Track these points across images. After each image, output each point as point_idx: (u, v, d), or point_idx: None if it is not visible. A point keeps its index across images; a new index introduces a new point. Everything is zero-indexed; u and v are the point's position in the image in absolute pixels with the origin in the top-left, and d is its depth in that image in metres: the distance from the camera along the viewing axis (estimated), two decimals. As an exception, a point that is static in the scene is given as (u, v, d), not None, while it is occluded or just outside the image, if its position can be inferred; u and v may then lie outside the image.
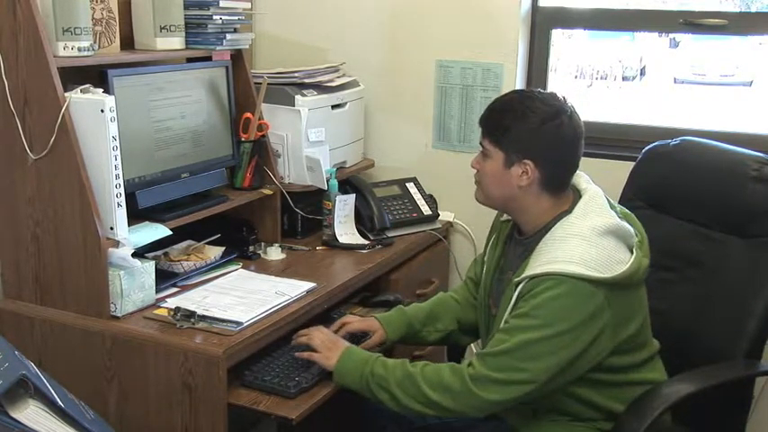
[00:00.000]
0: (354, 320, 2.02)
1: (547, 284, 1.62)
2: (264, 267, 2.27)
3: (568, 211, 1.73)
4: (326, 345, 1.83)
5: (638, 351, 1.75)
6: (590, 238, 1.66)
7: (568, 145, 1.73)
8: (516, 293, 1.68)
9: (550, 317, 1.61)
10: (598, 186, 1.81)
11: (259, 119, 2.39)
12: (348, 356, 1.78)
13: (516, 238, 1.85)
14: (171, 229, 2.03)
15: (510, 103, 1.76)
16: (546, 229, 1.73)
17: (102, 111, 1.80)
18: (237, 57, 2.40)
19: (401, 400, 1.69)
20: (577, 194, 1.77)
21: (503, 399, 1.64)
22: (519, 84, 2.70)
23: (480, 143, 1.79)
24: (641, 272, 1.70)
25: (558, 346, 1.61)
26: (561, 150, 1.73)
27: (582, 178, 1.81)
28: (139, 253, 1.94)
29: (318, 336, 1.87)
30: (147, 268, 1.94)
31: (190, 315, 1.86)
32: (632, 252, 1.70)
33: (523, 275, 1.68)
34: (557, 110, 1.71)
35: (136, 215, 1.99)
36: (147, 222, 2.01)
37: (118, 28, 2.08)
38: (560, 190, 1.76)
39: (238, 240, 2.32)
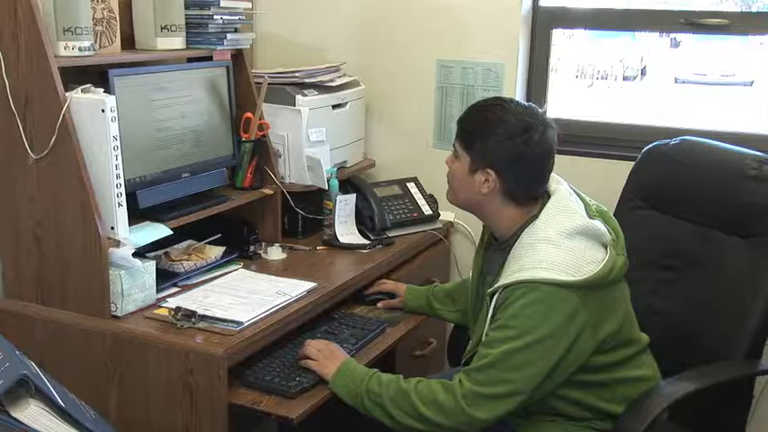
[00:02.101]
0: (388, 282, 2.29)
1: (518, 293, 1.63)
2: (265, 267, 2.27)
3: (536, 216, 1.73)
4: (324, 354, 1.83)
5: (621, 348, 1.74)
6: (557, 241, 1.66)
7: (534, 162, 1.74)
8: (492, 305, 1.69)
9: (526, 325, 1.62)
10: (571, 185, 1.82)
11: (260, 119, 2.39)
12: (346, 369, 1.78)
13: (493, 244, 1.87)
14: (171, 229, 2.03)
15: (485, 110, 1.77)
16: (516, 235, 1.74)
17: (102, 110, 1.81)
18: (238, 56, 2.40)
19: (395, 416, 1.69)
20: (547, 197, 1.77)
21: (494, 415, 1.64)
22: (520, 83, 2.70)
23: (453, 143, 1.81)
24: (616, 270, 1.70)
25: (539, 354, 1.62)
26: (525, 166, 1.73)
27: (552, 179, 1.80)
28: (140, 253, 1.94)
29: (315, 344, 1.87)
30: (148, 268, 1.94)
31: (190, 315, 1.86)
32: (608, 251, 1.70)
33: (495, 286, 1.69)
34: (527, 126, 1.71)
35: (136, 215, 1.99)
36: (147, 222, 2.01)
37: (119, 28, 2.08)
38: (526, 201, 1.76)
39: (239, 240, 2.32)
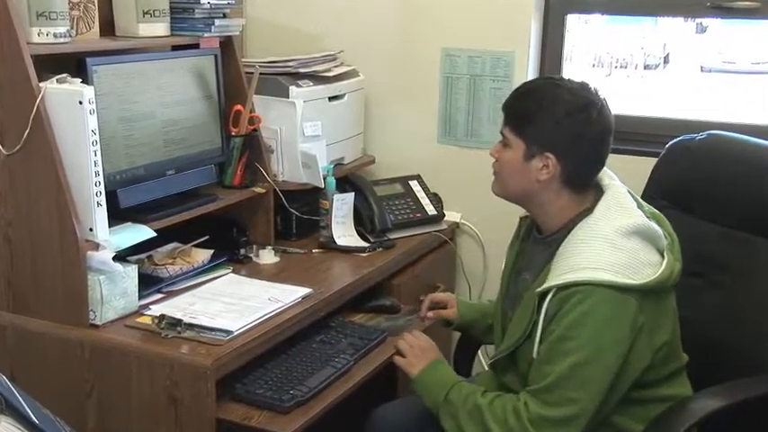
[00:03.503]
0: (439, 293, 2.23)
1: (576, 299, 1.61)
2: (256, 271, 2.27)
3: (590, 210, 1.72)
4: (414, 351, 1.87)
5: (665, 364, 1.74)
6: (614, 240, 1.65)
7: (594, 141, 1.73)
8: (544, 309, 1.66)
9: (589, 334, 1.61)
10: (622, 183, 1.81)
11: (250, 112, 2.39)
12: (432, 371, 1.82)
13: (535, 237, 1.85)
14: (155, 231, 2.02)
15: (536, 90, 1.76)
16: (567, 228, 1.73)
17: (80, 102, 1.80)
18: (227, 44, 2.39)
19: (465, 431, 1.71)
20: (600, 192, 1.77)
21: None
22: (531, 74, 2.70)
23: (501, 131, 1.79)
24: (674, 277, 1.69)
25: (604, 366, 1.61)
26: (586, 146, 1.73)
27: (605, 174, 1.80)
28: (121, 256, 1.94)
29: (409, 339, 1.91)
30: (130, 273, 1.93)
31: (176, 323, 1.85)
32: (662, 255, 1.70)
33: (546, 286, 1.67)
34: (586, 102, 1.71)
35: (117, 215, 1.98)
36: (129, 223, 2.00)
37: (97, 12, 2.08)
38: (583, 188, 1.76)
39: (228, 242, 2.32)
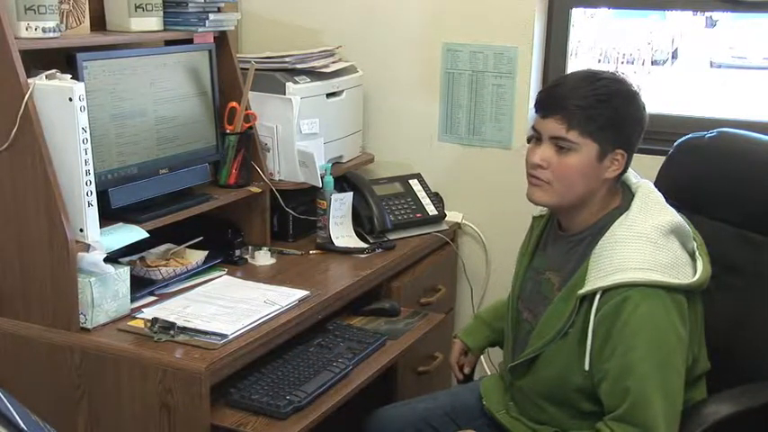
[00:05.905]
0: (453, 353, 2.14)
1: (630, 305, 1.60)
2: (252, 273, 2.27)
3: (624, 208, 1.73)
4: None
5: (694, 368, 1.75)
6: (656, 239, 1.66)
7: (643, 131, 1.77)
8: (593, 315, 1.64)
9: (653, 341, 1.60)
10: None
11: (246, 109, 2.39)
12: None
13: (559, 234, 1.83)
14: (148, 231, 2.03)
15: (596, 87, 1.69)
16: (597, 226, 1.73)
17: (70, 99, 1.80)
18: (222, 39, 2.40)
19: None
20: (627, 189, 1.78)
21: None
22: (535, 70, 2.70)
23: (560, 136, 1.69)
24: (708, 278, 1.71)
25: (676, 370, 1.63)
26: (640, 137, 1.76)
27: (629, 172, 1.81)
28: (113, 258, 1.94)
29: None
30: (122, 275, 1.93)
31: (169, 327, 1.85)
32: (691, 255, 1.71)
33: (591, 288, 1.65)
34: (635, 91, 1.74)
35: (108, 215, 1.99)
36: (120, 224, 2.01)
37: (87, 6, 2.08)
38: (618, 182, 1.78)
39: (223, 244, 2.32)
